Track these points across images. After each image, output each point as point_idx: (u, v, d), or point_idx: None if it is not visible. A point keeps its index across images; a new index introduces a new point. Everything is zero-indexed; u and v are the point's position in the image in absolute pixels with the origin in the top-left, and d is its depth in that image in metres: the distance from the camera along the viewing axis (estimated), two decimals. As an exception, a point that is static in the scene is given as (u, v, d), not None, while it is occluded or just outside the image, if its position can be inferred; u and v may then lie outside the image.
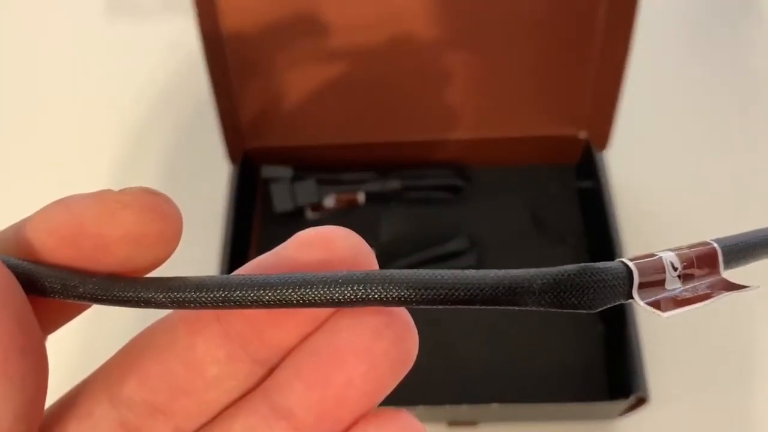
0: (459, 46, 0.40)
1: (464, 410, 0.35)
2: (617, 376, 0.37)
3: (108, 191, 0.13)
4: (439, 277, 0.12)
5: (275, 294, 0.12)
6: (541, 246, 0.43)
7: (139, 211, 0.13)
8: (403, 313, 0.13)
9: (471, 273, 0.12)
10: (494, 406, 0.34)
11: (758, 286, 0.13)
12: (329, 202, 0.43)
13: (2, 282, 0.12)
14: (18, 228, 0.13)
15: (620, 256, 0.39)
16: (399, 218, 0.44)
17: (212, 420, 0.14)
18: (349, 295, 0.12)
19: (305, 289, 0.12)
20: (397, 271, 0.12)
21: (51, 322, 0.14)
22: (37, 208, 0.13)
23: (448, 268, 0.44)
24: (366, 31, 0.39)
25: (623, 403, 0.34)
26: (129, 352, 0.14)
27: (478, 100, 0.42)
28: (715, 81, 0.51)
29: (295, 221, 0.44)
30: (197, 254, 0.43)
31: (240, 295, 0.12)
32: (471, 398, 0.35)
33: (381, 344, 0.13)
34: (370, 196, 0.44)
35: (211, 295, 0.12)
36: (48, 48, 0.55)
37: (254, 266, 0.14)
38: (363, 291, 0.12)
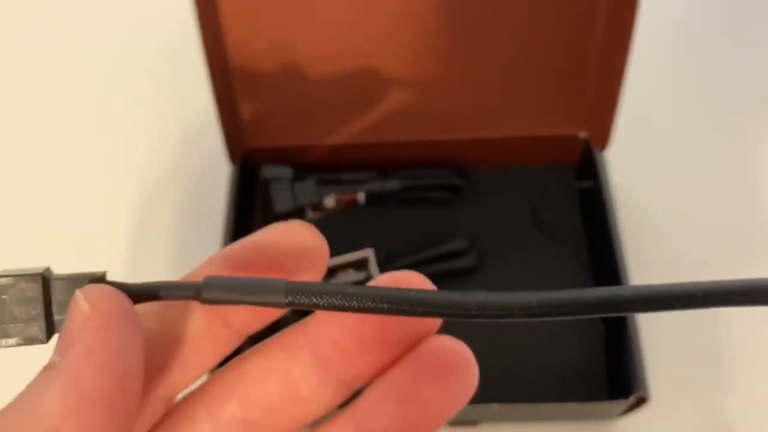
0: (459, 46, 0.40)
1: (464, 410, 0.35)
2: (617, 376, 0.37)
3: (270, 225, 0.15)
4: (689, 287, 0.13)
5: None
6: (541, 246, 0.43)
7: (301, 229, 0.15)
8: (465, 349, 0.15)
9: (712, 283, 0.13)
10: (494, 406, 0.34)
11: None
12: (329, 202, 0.43)
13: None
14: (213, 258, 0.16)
15: (620, 256, 0.39)
16: (399, 218, 0.44)
17: None
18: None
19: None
20: (648, 286, 0.14)
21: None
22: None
23: (448, 268, 0.44)
24: (366, 32, 0.39)
25: (623, 403, 0.34)
26: (227, 375, 0.16)
27: (477, 100, 0.42)
28: (715, 81, 0.51)
29: (295, 221, 0.44)
30: (197, 254, 0.43)
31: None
32: (471, 398, 0.35)
33: (454, 376, 0.15)
34: (370, 196, 0.44)
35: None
36: (39, 41, 0.55)
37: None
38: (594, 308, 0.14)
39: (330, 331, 0.15)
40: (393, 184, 0.44)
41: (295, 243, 0.15)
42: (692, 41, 0.53)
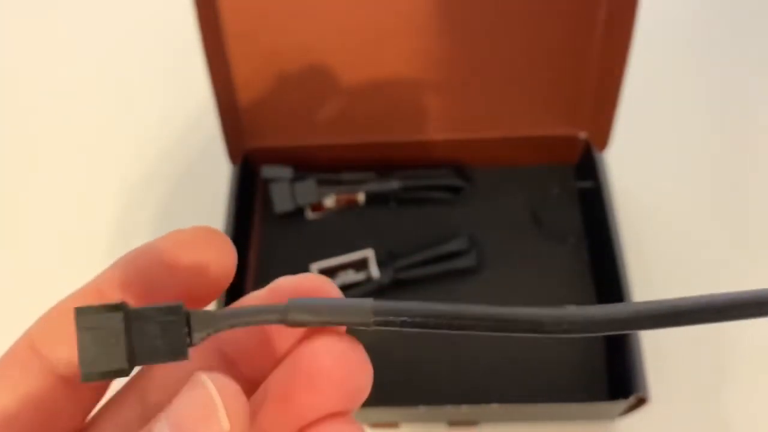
0: (459, 46, 0.40)
1: (464, 410, 0.35)
2: (617, 376, 0.37)
3: (178, 231, 0.16)
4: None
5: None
6: (541, 246, 0.43)
7: (201, 244, 0.15)
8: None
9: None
10: (494, 406, 0.34)
11: None
12: (329, 202, 0.43)
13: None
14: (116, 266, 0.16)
15: (620, 257, 0.39)
16: (399, 218, 0.44)
17: None
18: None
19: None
20: (712, 295, 0.14)
21: None
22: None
23: (448, 268, 0.43)
24: (367, 32, 0.39)
25: (623, 403, 0.34)
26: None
27: (478, 100, 0.42)
28: (715, 81, 0.51)
29: (295, 221, 0.44)
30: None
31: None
32: (471, 398, 0.35)
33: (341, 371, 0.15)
34: (370, 196, 0.44)
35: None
36: (37, 40, 0.55)
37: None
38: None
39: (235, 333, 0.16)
40: (393, 184, 0.44)
41: (197, 261, 0.15)
42: (692, 41, 0.53)
